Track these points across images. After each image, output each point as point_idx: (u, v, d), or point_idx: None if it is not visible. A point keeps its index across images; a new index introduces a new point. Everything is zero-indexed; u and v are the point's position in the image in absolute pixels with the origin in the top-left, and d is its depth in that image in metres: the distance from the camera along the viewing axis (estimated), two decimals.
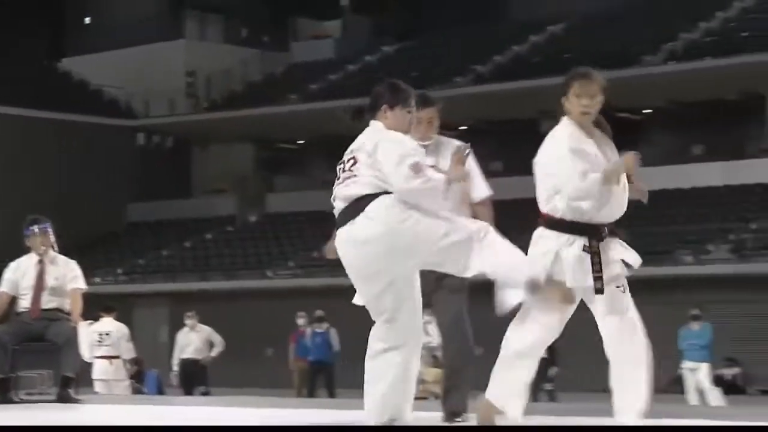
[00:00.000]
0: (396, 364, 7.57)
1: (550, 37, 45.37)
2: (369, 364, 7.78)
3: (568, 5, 45.96)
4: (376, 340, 7.80)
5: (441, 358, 9.03)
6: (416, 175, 7.19)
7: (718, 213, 36.12)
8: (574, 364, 33.61)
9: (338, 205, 7.52)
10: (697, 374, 22.78)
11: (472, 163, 8.33)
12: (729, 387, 31.32)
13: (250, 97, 48.10)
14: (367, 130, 7.52)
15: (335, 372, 27.02)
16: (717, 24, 41.96)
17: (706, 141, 40.27)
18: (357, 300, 7.88)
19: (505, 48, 45.05)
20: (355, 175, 7.32)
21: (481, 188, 8.51)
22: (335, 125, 50.42)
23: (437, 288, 8.22)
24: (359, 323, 33.18)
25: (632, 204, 7.23)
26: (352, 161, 7.38)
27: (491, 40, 45.75)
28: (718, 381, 27.51)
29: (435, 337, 24.00)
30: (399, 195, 7.22)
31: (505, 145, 42.53)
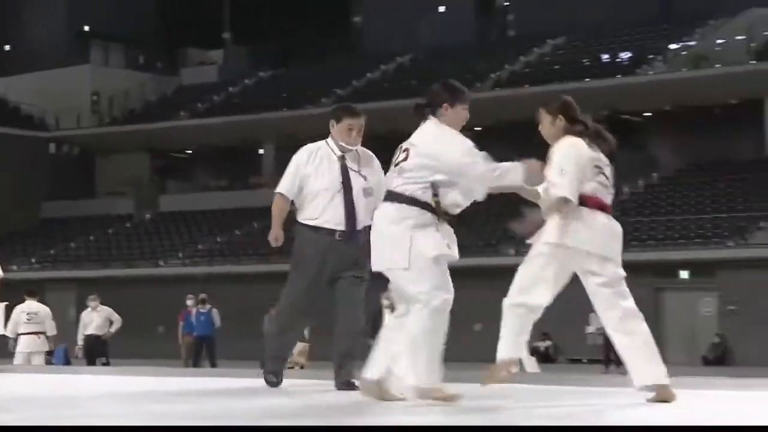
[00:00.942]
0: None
1: (398, 66, 45.69)
2: None
3: (414, 40, 46.42)
4: None
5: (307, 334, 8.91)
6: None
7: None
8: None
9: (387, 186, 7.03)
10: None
11: (381, 173, 8.17)
12: (543, 357, 31.82)
13: (145, 114, 47.81)
14: (422, 127, 7.11)
15: (216, 345, 26.98)
16: (534, 58, 42.64)
17: (534, 154, 40.73)
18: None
19: (362, 75, 45.27)
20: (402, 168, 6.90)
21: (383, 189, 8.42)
22: (218, 138, 50.02)
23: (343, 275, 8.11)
24: (236, 304, 33.15)
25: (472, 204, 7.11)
26: (405, 153, 6.97)
27: (350, 68, 45.95)
28: (533, 352, 27.93)
29: None
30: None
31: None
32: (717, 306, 33.00)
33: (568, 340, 33.57)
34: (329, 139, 8.33)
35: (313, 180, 8.13)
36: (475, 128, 47.65)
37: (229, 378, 9.84)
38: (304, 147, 8.39)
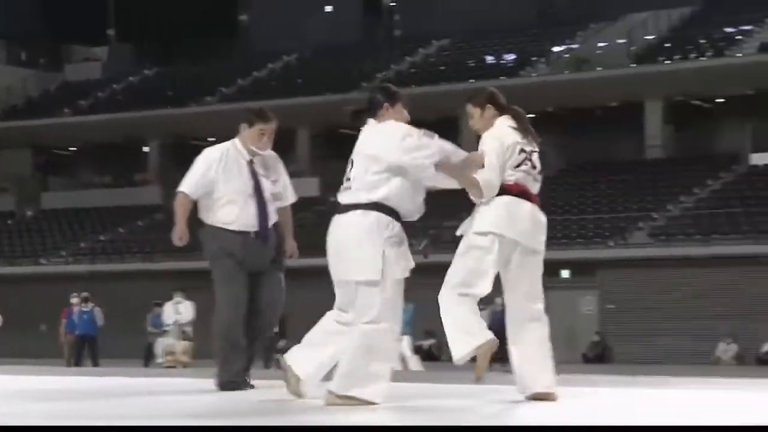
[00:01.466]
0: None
1: (285, 65, 45.58)
2: None
3: (301, 39, 46.35)
4: None
5: (191, 333, 8.82)
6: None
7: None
8: (301, 335, 33.29)
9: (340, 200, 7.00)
10: (400, 345, 23.08)
11: (286, 174, 8.37)
12: (426, 355, 31.97)
13: (28, 110, 46.98)
14: (364, 130, 7.12)
15: (98, 344, 26.70)
16: (419, 58, 42.90)
17: None
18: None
19: (248, 74, 45.07)
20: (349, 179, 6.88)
21: (293, 194, 8.49)
22: (102, 135, 49.35)
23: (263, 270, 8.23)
24: (119, 302, 32.67)
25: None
26: (351, 164, 6.96)
27: (236, 66, 45.72)
28: (417, 350, 28.05)
29: (185, 315, 23.86)
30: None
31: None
32: (597, 305, 33.52)
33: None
34: (237, 142, 8.26)
35: (223, 184, 8.11)
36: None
37: (113, 377, 9.72)
38: (212, 149, 8.28)
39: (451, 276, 6.89)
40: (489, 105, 7.07)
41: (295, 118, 41.72)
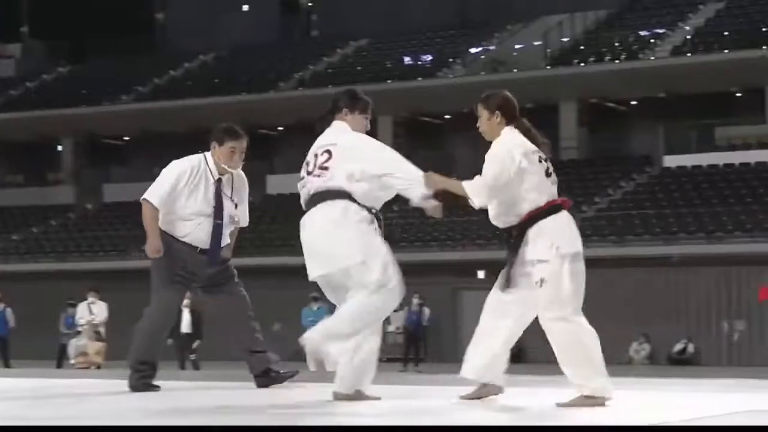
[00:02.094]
0: None
1: (201, 64, 45.33)
2: None
3: (217, 38, 46.17)
4: None
5: (103, 333, 8.68)
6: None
7: None
8: (215, 336, 33.09)
9: (308, 192, 6.97)
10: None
11: (247, 195, 8.27)
12: None
13: None
14: (333, 128, 7.12)
15: (10, 345, 26.35)
16: (337, 59, 42.90)
17: None
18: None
19: (164, 73, 44.75)
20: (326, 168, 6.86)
21: (246, 217, 8.40)
22: (15, 133, 48.48)
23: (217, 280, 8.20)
24: (32, 303, 32.10)
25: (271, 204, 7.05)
26: (326, 155, 6.94)
27: (152, 65, 45.36)
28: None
29: (99, 315, 23.58)
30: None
31: (163, 155, 42.30)
32: None
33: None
34: (208, 157, 8.12)
35: (185, 200, 7.96)
36: (278, 128, 47.70)
37: (25, 378, 9.58)
38: (182, 162, 8.11)
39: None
40: (498, 112, 7.08)
41: (211, 118, 41.50)
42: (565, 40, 39.09)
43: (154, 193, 7.98)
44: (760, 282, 30.26)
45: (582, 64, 36.81)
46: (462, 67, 39.44)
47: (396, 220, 35.76)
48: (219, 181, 8.06)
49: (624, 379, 6.18)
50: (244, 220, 8.35)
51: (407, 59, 40.85)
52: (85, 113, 42.06)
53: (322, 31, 47.15)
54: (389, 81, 38.77)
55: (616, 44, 36.71)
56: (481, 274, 34.27)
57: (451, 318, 33.49)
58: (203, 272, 8.06)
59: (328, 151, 6.93)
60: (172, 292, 8.02)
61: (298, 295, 27.33)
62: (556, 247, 6.49)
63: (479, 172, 6.95)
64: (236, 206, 8.15)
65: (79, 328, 23.31)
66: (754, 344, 31.33)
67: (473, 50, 40.25)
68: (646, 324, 31.07)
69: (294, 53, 44.04)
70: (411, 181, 6.88)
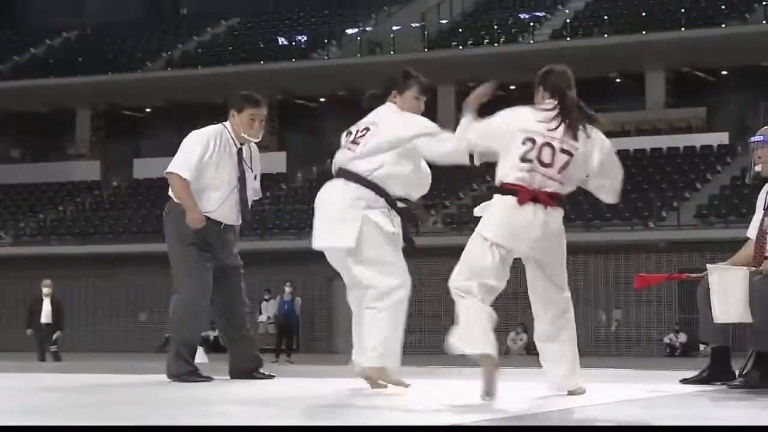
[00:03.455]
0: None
1: (64, 41, 44.58)
2: None
3: (81, 15, 45.43)
4: None
5: None
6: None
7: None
8: (75, 327, 33.08)
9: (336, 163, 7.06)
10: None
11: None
12: (212, 346, 31.78)
13: None
14: (381, 108, 7.16)
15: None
16: (208, 38, 42.56)
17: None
18: None
19: (25, 50, 43.93)
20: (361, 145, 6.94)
21: (259, 190, 8.29)
22: None
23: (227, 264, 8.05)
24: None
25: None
26: (364, 131, 7.00)
27: (12, 42, 44.48)
28: (202, 341, 27.85)
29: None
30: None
31: (26, 135, 41.76)
32: None
33: None
34: (228, 127, 7.99)
35: (215, 170, 7.85)
36: (145, 110, 47.04)
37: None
38: (204, 131, 7.98)
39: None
40: (541, 87, 6.50)
41: (74, 98, 40.93)
42: (443, 22, 39.32)
43: (181, 165, 7.85)
44: (638, 270, 30.84)
45: (460, 47, 37.08)
46: (337, 49, 39.44)
47: (268, 207, 35.66)
48: (240, 152, 7.99)
49: (502, 370, 6.24)
50: (259, 193, 8.26)
51: (281, 39, 40.70)
52: None
53: (191, 9, 46.68)
54: (262, 62, 38.58)
55: (495, 27, 37.04)
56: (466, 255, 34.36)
57: (325, 308, 33.52)
58: (223, 253, 7.97)
59: (367, 128, 7.03)
60: (205, 266, 7.86)
61: (166, 283, 27.09)
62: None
63: None
64: (255, 177, 8.08)
65: None
66: (630, 333, 31.95)
67: (349, 31, 40.26)
68: (524, 314, 31.43)
69: (162, 32, 43.58)
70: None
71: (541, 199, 6.30)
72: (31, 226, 38.22)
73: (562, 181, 6.35)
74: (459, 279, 6.38)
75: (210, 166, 7.86)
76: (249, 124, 7.95)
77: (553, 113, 6.35)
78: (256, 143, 8.11)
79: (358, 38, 39.64)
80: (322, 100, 40.27)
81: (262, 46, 40.22)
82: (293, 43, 40.19)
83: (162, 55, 41.22)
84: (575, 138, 6.36)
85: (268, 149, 39.36)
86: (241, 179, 7.94)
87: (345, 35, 40.11)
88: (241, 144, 7.99)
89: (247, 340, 8.16)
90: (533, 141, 6.30)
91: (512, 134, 6.35)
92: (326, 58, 38.79)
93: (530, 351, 31.42)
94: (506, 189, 6.36)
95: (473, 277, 6.36)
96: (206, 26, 43.25)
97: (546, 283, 6.59)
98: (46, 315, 23.11)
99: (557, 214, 6.40)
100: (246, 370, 8.05)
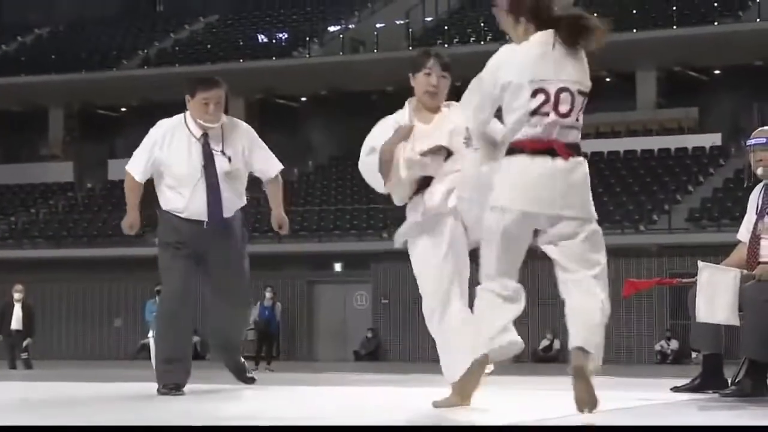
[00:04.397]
0: None
1: (36, 38, 44.47)
2: None
3: (54, 11, 45.33)
4: None
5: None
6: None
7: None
8: (47, 334, 33.04)
9: None
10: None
11: (256, 144, 7.75)
12: (193, 354, 31.76)
13: None
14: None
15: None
16: (185, 35, 42.52)
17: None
18: None
19: None
20: None
21: (273, 165, 7.90)
22: None
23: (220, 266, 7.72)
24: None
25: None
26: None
27: None
28: None
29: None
30: None
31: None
32: (370, 300, 33.89)
33: None
34: (187, 116, 7.64)
35: (170, 165, 7.53)
36: (121, 109, 46.90)
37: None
38: (161, 123, 7.72)
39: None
40: (523, 18, 5.71)
41: (47, 97, 40.84)
42: (428, 19, 39.33)
43: (133, 165, 7.66)
44: (628, 275, 30.89)
45: (446, 45, 37.08)
46: (319, 47, 39.43)
47: (247, 209, 35.61)
48: (205, 136, 7.58)
49: (488, 377, 6.25)
50: (273, 167, 7.86)
51: (261, 37, 40.68)
52: None
53: (168, 5, 46.62)
54: (241, 60, 38.55)
55: (482, 24, 37.06)
56: (338, 267, 34.40)
57: (306, 313, 33.52)
58: (211, 251, 7.58)
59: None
60: (179, 268, 7.50)
61: (143, 288, 27.04)
62: None
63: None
64: (230, 160, 7.56)
65: None
66: (621, 340, 32.00)
67: (332, 28, 40.26)
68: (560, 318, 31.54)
69: (138, 29, 43.50)
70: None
71: (560, 150, 5.65)
72: (2, 229, 38.12)
73: (580, 127, 5.74)
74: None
75: (165, 163, 7.57)
76: (203, 108, 7.54)
77: (560, 48, 5.65)
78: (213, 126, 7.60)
79: (341, 36, 39.63)
80: (303, 99, 40.27)
81: (241, 43, 40.21)
82: (274, 41, 40.17)
83: (138, 53, 41.15)
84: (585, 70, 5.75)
85: None
86: (207, 167, 7.53)
87: (327, 33, 40.11)
88: (204, 130, 7.59)
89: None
90: (545, 91, 5.64)
91: (515, 88, 5.67)
92: (308, 56, 38.78)
93: (519, 358, 31.43)
94: (515, 147, 5.71)
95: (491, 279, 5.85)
96: (184, 23, 43.21)
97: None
98: (17, 321, 23.05)
99: (581, 163, 5.72)
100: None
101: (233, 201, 7.67)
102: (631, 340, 31.95)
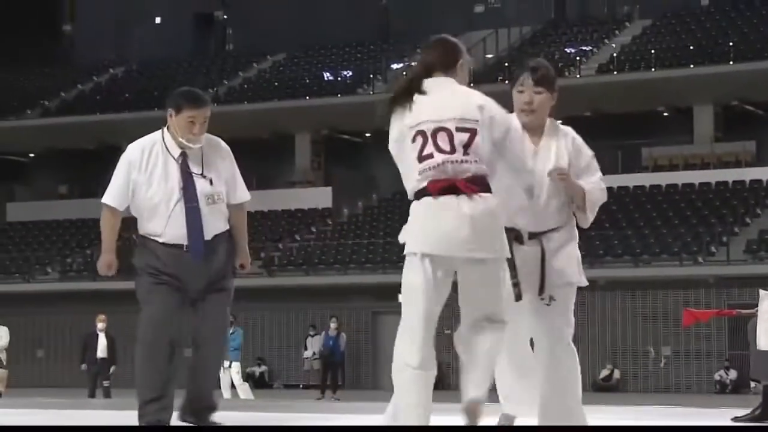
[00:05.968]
0: None
1: (111, 78, 44.96)
2: None
3: (128, 51, 45.84)
4: None
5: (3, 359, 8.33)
6: None
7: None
8: (127, 363, 32.89)
9: None
10: (230, 372, 22.87)
11: (233, 166, 7.05)
12: (257, 382, 31.80)
13: None
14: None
15: None
16: (253, 74, 42.79)
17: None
18: None
19: (72, 86, 44.33)
20: None
21: (243, 191, 7.08)
22: None
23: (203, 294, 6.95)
24: None
25: None
26: None
27: (59, 78, 44.89)
28: (247, 377, 27.87)
29: (3, 339, 23.25)
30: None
31: (73, 170, 42.04)
32: None
33: (284, 365, 33.68)
34: (165, 133, 6.95)
35: (147, 189, 6.80)
36: None
37: None
38: (135, 144, 6.96)
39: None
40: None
41: (121, 134, 41.21)
42: (489, 56, 39.32)
43: (108, 194, 6.90)
44: (687, 306, 30.60)
45: (506, 82, 37.04)
46: (383, 83, 39.49)
47: (314, 242, 35.70)
48: (183, 156, 6.89)
49: None
50: (241, 194, 7.07)
51: (326, 75, 40.86)
52: None
53: (237, 45, 47.01)
54: (308, 97, 38.72)
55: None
56: (401, 298, 34.31)
57: (371, 343, 33.45)
58: (192, 278, 6.86)
59: None
60: (158, 297, 6.83)
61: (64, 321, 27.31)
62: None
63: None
64: (211, 182, 6.85)
65: None
66: (680, 370, 31.67)
67: (395, 66, 40.35)
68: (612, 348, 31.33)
69: (208, 68, 43.86)
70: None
71: (461, 187, 5.45)
72: (78, 262, 38.42)
73: (475, 160, 5.52)
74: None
75: (141, 188, 6.84)
76: (188, 127, 6.85)
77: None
78: (195, 147, 6.92)
79: (404, 73, 39.65)
80: (367, 134, 40.33)
81: (307, 81, 40.38)
82: (339, 79, 40.33)
83: (208, 90, 41.43)
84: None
85: (314, 184, 39.57)
86: (186, 189, 6.80)
87: (390, 70, 40.21)
88: (183, 149, 6.89)
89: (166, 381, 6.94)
90: (422, 133, 5.53)
91: (398, 139, 5.59)
92: (372, 93, 38.88)
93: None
94: (420, 194, 5.52)
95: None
96: (252, 62, 43.52)
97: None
98: (102, 349, 23.51)
99: (487, 200, 5.51)
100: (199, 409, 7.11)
101: (215, 225, 6.90)
102: (690, 369, 31.62)
